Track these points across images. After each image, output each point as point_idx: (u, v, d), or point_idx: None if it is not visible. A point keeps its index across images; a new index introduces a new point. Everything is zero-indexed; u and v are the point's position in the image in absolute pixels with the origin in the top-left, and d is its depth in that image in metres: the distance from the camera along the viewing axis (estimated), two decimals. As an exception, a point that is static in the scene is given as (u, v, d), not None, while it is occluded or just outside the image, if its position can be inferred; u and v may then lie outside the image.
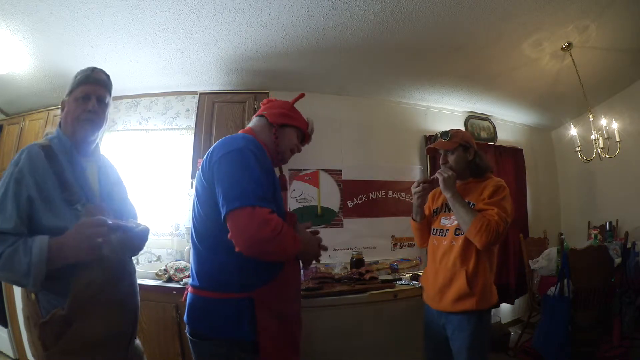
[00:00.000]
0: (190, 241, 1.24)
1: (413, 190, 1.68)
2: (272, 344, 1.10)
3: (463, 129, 3.51)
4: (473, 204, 1.55)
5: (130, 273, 1.18)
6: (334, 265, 2.71)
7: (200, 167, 1.17)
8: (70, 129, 1.13)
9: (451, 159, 1.64)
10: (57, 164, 1.04)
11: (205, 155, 1.16)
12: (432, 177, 1.66)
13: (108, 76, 1.24)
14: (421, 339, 1.78)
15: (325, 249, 1.32)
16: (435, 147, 1.68)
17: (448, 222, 1.63)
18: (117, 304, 1.08)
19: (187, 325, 1.15)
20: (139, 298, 1.22)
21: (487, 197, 1.53)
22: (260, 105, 1.43)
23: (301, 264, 1.30)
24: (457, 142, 1.63)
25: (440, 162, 1.67)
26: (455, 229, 1.57)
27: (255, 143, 1.15)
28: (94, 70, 1.19)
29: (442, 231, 1.65)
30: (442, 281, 1.57)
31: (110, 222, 0.97)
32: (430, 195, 1.82)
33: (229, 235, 1.03)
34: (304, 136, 1.40)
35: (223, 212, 1.04)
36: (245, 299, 1.08)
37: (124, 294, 1.11)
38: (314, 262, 1.31)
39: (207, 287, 1.13)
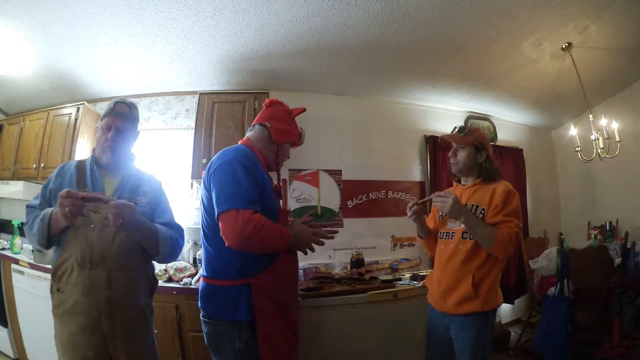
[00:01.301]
0: (200, 241, 1.42)
1: (408, 215, 1.64)
2: (268, 324, 1.28)
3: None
4: (483, 209, 1.52)
5: (110, 268, 1.31)
6: (334, 265, 2.71)
7: (203, 181, 1.36)
8: (98, 152, 1.46)
9: (460, 154, 1.63)
10: (81, 173, 1.42)
11: (206, 168, 1.35)
12: (423, 200, 1.65)
13: (131, 106, 1.50)
14: (421, 339, 1.78)
15: (324, 235, 1.43)
16: (449, 139, 1.66)
17: (454, 225, 1.60)
18: (85, 287, 1.28)
19: (200, 309, 1.36)
20: (114, 293, 1.31)
21: (500, 204, 1.49)
22: (263, 105, 1.55)
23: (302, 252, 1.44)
24: (471, 141, 1.61)
25: (449, 155, 1.67)
26: (462, 232, 1.54)
27: (245, 154, 1.33)
28: (116, 104, 1.46)
29: (448, 234, 1.63)
30: (448, 284, 1.56)
31: (83, 194, 1.22)
32: None
33: (220, 233, 1.22)
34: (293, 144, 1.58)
35: (216, 214, 1.24)
36: (244, 285, 1.28)
37: (93, 280, 1.29)
38: (309, 251, 1.43)
39: (214, 276, 1.33)
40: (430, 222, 1.78)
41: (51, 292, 1.34)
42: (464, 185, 1.67)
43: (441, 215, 1.70)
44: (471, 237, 1.50)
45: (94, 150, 1.49)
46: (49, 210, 1.31)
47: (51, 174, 1.47)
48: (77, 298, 1.27)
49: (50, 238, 1.31)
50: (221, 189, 1.25)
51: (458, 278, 1.53)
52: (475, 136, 1.63)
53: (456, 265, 1.54)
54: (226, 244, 1.20)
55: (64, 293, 1.29)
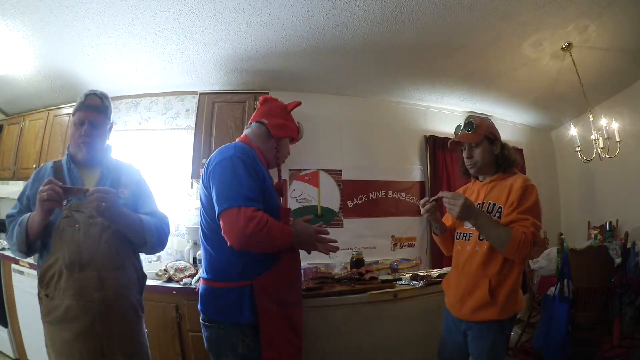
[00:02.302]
0: (199, 241, 1.38)
1: (422, 213, 1.51)
2: (271, 327, 1.24)
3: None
4: (500, 207, 1.42)
5: (100, 267, 1.27)
6: (334, 265, 2.71)
7: (201, 178, 1.33)
8: (72, 149, 1.41)
9: (477, 153, 1.49)
10: (58, 173, 1.36)
11: (205, 166, 1.31)
12: (434, 197, 1.45)
13: (102, 97, 1.42)
14: (421, 339, 1.77)
15: (327, 232, 1.40)
16: (460, 140, 1.51)
17: (471, 225, 1.47)
18: (76, 290, 1.24)
19: (200, 312, 1.31)
20: (107, 293, 1.27)
21: (516, 201, 1.37)
22: (257, 104, 1.52)
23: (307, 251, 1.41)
24: (483, 134, 1.48)
25: (465, 157, 1.53)
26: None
27: (244, 150, 1.29)
28: (87, 96, 1.39)
29: (465, 235, 1.53)
30: (464, 288, 1.48)
31: (61, 184, 1.17)
32: None
33: (222, 232, 1.17)
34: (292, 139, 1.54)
35: (216, 212, 1.19)
36: (246, 286, 1.23)
37: (84, 282, 1.25)
38: (313, 251, 1.40)
39: (214, 278, 1.29)
40: (448, 220, 1.68)
41: (39, 297, 1.29)
42: (481, 182, 1.56)
43: None
44: None
45: (68, 147, 1.43)
46: (26, 215, 1.27)
47: (27, 181, 1.41)
48: (69, 303, 1.22)
49: (30, 244, 1.26)
50: (221, 186, 1.21)
51: (474, 283, 1.44)
52: (484, 127, 1.50)
53: (472, 269, 1.46)
54: (228, 244, 1.16)
55: (54, 299, 1.24)
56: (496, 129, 1.54)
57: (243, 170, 1.22)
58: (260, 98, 1.52)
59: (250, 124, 1.48)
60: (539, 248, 3.25)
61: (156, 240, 1.39)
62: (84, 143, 1.36)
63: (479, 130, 1.49)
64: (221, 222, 1.18)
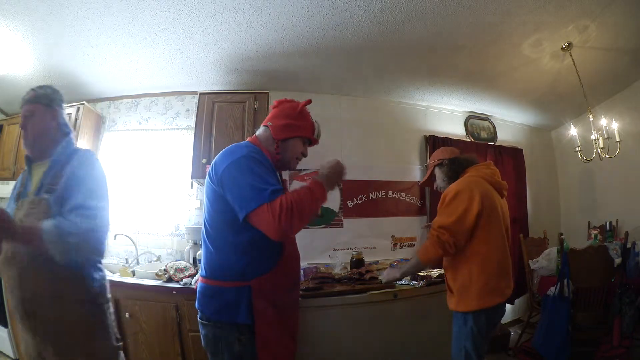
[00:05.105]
0: (201, 239, 1.39)
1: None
2: (267, 328, 1.26)
3: (463, 129, 3.53)
4: None
5: (21, 267, 1.19)
6: (334, 265, 2.71)
7: (207, 175, 1.33)
8: None
9: (436, 182, 1.84)
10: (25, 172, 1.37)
11: (211, 165, 1.32)
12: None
13: (37, 88, 1.39)
14: (421, 339, 1.78)
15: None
16: (423, 184, 1.95)
17: None
18: (7, 285, 1.23)
19: (198, 311, 1.33)
20: (26, 294, 1.19)
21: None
22: (270, 108, 1.52)
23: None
24: (432, 166, 1.84)
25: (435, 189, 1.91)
26: None
27: (255, 149, 1.32)
28: (27, 92, 1.38)
29: None
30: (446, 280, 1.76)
31: None
32: None
33: (260, 229, 1.18)
34: (310, 140, 1.51)
35: (242, 214, 1.18)
36: (245, 287, 1.25)
37: (9, 280, 1.22)
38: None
39: (213, 276, 1.30)
40: None
41: None
42: None
43: None
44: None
45: None
46: None
47: None
48: (8, 296, 1.25)
49: None
50: (242, 187, 1.20)
51: (445, 276, 1.72)
52: (431, 161, 1.84)
53: (443, 265, 1.76)
54: (271, 238, 1.17)
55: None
56: (442, 153, 1.82)
57: (258, 167, 1.24)
58: (274, 102, 1.51)
59: (260, 127, 1.48)
60: (539, 248, 3.27)
61: (62, 247, 1.11)
62: (22, 137, 1.36)
63: (429, 165, 1.87)
64: (254, 223, 1.18)
